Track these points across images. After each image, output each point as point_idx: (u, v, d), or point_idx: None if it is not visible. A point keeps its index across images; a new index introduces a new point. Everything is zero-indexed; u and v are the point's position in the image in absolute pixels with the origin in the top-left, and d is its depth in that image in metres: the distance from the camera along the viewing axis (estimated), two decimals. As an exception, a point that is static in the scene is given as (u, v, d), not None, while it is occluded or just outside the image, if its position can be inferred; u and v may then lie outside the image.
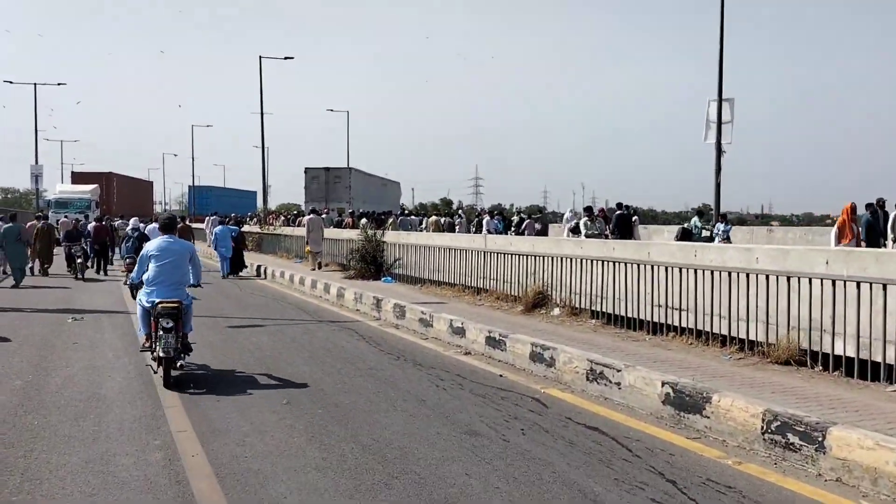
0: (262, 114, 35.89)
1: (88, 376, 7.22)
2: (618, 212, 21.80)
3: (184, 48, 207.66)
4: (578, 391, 6.72)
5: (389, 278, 16.27)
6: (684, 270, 8.57)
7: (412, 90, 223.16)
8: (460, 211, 41.84)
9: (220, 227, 21.35)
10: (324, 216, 27.41)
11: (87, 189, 42.25)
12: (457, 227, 27.36)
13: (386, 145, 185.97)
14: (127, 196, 51.97)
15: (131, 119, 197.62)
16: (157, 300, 7.04)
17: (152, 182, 68.03)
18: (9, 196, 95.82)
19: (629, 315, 9.21)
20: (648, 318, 8.87)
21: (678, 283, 8.59)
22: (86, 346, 8.94)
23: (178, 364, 7.14)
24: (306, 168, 37.75)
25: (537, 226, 31.31)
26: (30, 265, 19.08)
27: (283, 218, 35.86)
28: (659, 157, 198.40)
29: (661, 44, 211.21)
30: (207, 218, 34.89)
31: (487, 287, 12.83)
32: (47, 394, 6.48)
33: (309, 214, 23.66)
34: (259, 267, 21.49)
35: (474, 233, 29.62)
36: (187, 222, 25.73)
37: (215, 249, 21.19)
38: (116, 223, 28.72)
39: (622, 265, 9.62)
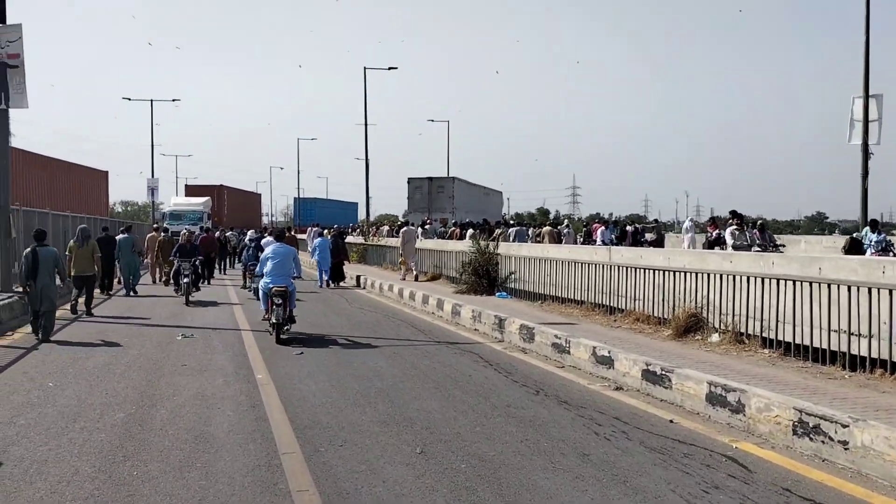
0: (366, 125, 35.71)
1: (197, 409, 6.45)
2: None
3: (292, 61, 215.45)
4: (781, 447, 5.33)
5: (504, 293, 15.15)
6: (871, 290, 7.01)
7: (503, 97, 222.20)
8: (566, 221, 40.29)
9: (319, 238, 21.59)
10: (427, 226, 26.74)
11: (199, 201, 43.50)
12: (563, 238, 25.96)
13: (479, 153, 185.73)
14: (237, 208, 53.46)
15: (241, 133, 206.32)
16: (272, 286, 10.42)
17: (260, 194, 70.01)
18: (128, 209, 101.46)
19: (813, 344, 7.66)
20: (844, 350, 7.28)
21: (863, 306, 7.04)
22: (195, 370, 8.26)
23: (286, 329, 10.40)
24: (409, 178, 37.24)
25: (650, 235, 29.38)
26: (143, 272, 19.49)
27: (386, 228, 35.43)
28: (768, 163, 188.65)
29: (766, 41, 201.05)
30: (309, 229, 35.11)
31: (619, 305, 11.48)
32: (150, 431, 5.71)
33: (408, 225, 23.70)
34: (359, 277, 21.26)
35: (582, 244, 28.12)
36: (292, 233, 26.15)
37: (315, 259, 21.21)
38: (228, 234, 29.58)
39: (787, 283, 8.11)
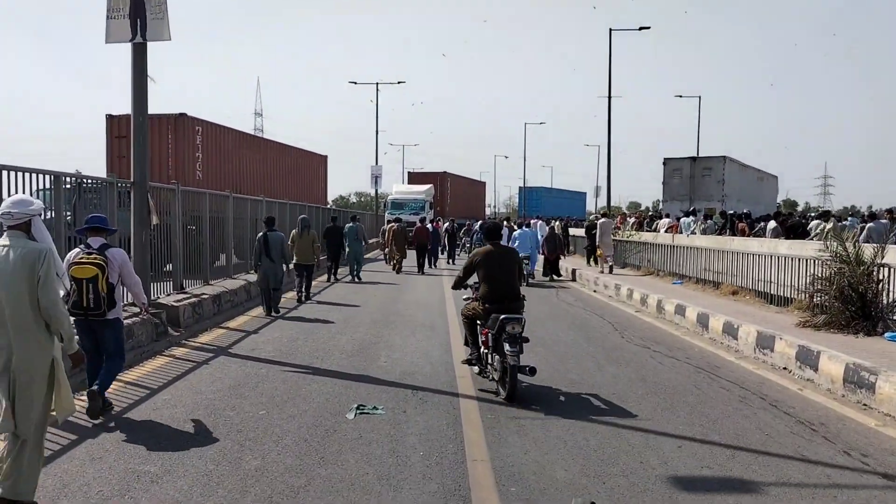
0: (609, 97, 29.67)
1: None
2: None
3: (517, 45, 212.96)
4: None
5: (897, 335, 8.78)
6: None
7: (752, 77, 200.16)
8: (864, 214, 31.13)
9: (519, 231, 19.30)
10: (709, 221, 20.32)
11: (421, 189, 40.51)
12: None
13: (717, 136, 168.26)
14: (460, 197, 50.21)
15: (468, 121, 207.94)
16: (521, 253, 13.68)
17: (485, 183, 66.34)
18: (362, 199, 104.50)
19: None
20: None
21: None
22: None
23: (523, 283, 13.04)
24: (666, 159, 30.50)
25: None
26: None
27: (633, 220, 29.28)
28: None
29: None
30: (532, 221, 30.85)
31: None
32: None
33: (606, 217, 20.07)
34: (575, 272, 19.04)
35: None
36: (511, 223, 23.94)
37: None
38: (456, 224, 28.38)
39: None
